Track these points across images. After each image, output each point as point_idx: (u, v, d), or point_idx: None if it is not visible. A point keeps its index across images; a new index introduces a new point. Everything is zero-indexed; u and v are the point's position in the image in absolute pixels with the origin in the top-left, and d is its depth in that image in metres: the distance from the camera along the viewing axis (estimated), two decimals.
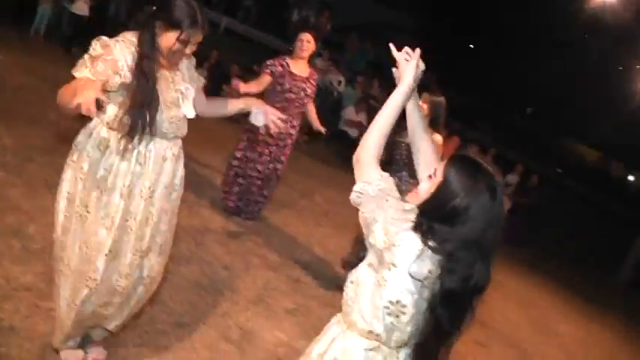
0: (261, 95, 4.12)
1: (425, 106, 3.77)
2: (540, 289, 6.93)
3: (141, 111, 1.94)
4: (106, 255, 2.02)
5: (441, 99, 3.86)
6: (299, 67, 4.38)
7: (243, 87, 4.08)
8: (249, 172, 4.45)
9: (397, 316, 1.41)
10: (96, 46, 1.92)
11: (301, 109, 4.46)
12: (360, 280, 1.48)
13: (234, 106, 2.34)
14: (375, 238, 1.41)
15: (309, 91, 4.41)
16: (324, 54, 10.39)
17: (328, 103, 9.81)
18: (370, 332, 1.45)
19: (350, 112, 9.36)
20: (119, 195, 2.01)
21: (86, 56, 1.91)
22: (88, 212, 2.01)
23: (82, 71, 1.87)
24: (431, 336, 1.43)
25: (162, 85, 2.03)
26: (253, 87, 4.23)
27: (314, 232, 5.04)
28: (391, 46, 1.67)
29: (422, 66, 1.62)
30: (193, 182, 4.50)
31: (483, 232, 1.36)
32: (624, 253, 10.35)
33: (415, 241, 1.36)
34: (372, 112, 9.83)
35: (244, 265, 3.81)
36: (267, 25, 13.96)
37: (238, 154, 4.48)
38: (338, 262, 4.48)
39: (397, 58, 1.63)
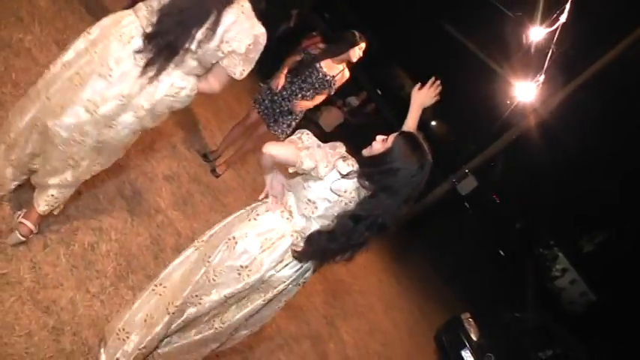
0: None
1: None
2: None
3: None
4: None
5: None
6: None
7: None
8: None
9: (311, 212, 1.94)
10: None
11: None
12: (291, 183, 2.04)
13: None
14: (306, 165, 1.87)
15: None
16: None
17: None
18: (290, 206, 2.00)
19: None
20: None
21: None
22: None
23: None
24: (324, 234, 1.90)
25: None
26: None
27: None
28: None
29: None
30: None
31: (399, 190, 1.86)
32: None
33: (343, 167, 1.88)
34: None
35: None
36: None
37: None
38: (206, 138, 4.78)
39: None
